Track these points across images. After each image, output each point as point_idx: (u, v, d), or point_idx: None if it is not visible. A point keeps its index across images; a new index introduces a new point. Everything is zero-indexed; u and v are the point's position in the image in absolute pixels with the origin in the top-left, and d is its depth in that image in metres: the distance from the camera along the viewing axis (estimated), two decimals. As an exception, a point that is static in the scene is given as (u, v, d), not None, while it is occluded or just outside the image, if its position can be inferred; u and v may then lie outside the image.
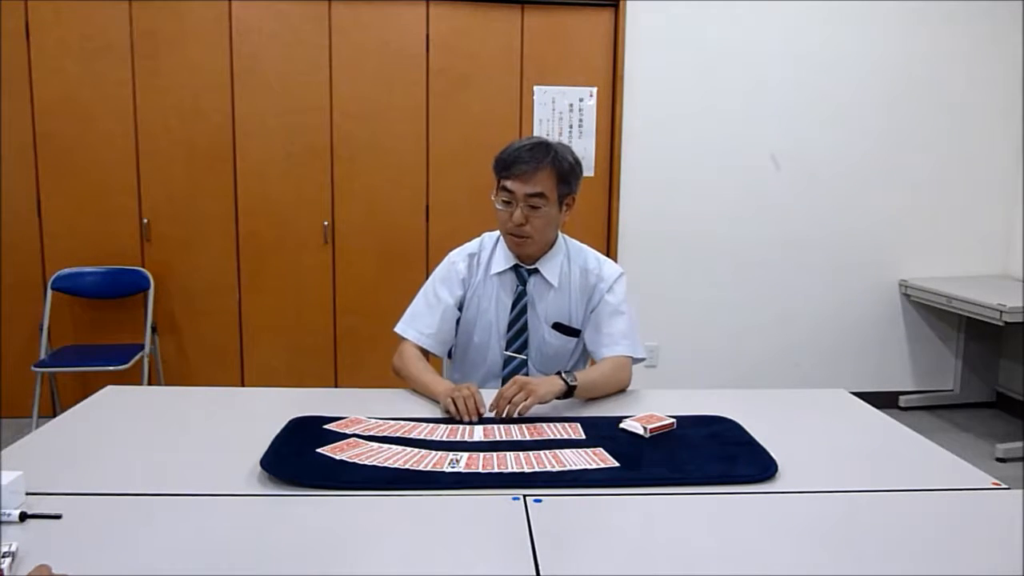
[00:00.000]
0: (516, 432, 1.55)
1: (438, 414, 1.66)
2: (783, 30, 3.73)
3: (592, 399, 1.77)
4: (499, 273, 1.92)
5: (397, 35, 3.57)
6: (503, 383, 1.88)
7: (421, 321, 1.91)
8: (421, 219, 3.72)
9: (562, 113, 3.70)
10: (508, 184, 1.79)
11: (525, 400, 1.58)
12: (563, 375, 1.68)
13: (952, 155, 3.92)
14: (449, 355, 2.11)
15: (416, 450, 1.43)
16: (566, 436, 1.53)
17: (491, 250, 1.95)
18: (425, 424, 1.58)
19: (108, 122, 3.47)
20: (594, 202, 3.78)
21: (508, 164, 1.78)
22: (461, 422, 1.59)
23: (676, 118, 3.75)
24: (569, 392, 1.68)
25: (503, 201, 1.82)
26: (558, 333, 1.93)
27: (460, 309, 1.95)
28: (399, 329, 1.92)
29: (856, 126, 3.84)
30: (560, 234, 1.95)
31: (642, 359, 1.90)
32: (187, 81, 3.49)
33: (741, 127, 3.78)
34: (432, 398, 1.74)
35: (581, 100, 3.70)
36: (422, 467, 1.36)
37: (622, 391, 1.84)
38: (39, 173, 3.47)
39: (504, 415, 1.58)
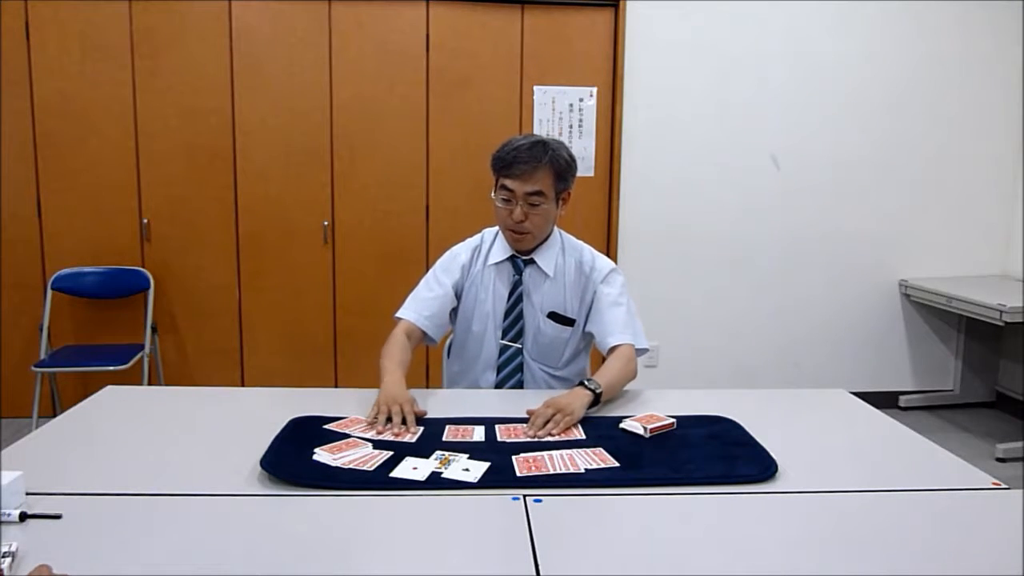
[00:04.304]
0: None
1: (438, 414, 1.65)
2: (784, 30, 3.73)
3: None
4: (496, 263, 1.97)
5: (397, 35, 3.57)
6: (498, 372, 1.95)
7: (421, 304, 1.95)
8: (421, 219, 3.71)
9: (562, 113, 3.70)
10: (507, 183, 1.85)
11: (562, 421, 1.55)
12: (586, 384, 1.69)
13: (952, 155, 3.92)
14: (448, 352, 2.15)
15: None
16: (566, 436, 1.54)
17: (491, 243, 2.01)
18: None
19: (108, 122, 3.47)
20: (594, 202, 3.78)
21: (507, 163, 1.83)
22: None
23: (676, 118, 3.74)
24: (596, 401, 1.68)
25: (503, 199, 1.87)
26: (553, 322, 1.96)
27: (458, 297, 1.99)
28: (399, 312, 1.95)
29: (856, 126, 3.84)
30: (556, 229, 2.00)
31: (645, 350, 1.91)
32: (187, 81, 3.48)
33: (741, 127, 3.78)
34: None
35: (581, 100, 3.70)
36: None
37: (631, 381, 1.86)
38: (39, 173, 3.47)
39: (542, 436, 1.52)
